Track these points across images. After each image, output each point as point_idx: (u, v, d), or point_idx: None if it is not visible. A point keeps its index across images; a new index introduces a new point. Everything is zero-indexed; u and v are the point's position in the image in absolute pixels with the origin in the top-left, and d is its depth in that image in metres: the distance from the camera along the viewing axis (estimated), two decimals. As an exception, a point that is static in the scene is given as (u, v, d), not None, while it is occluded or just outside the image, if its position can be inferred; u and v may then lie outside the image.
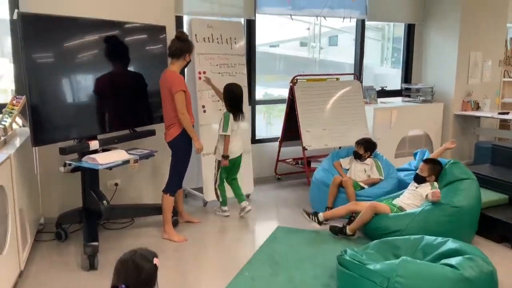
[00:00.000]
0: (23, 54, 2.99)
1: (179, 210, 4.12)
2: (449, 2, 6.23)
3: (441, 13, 6.34)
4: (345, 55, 7.32)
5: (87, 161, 3.35)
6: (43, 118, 3.16)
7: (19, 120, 3.63)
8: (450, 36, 6.28)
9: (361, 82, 5.77)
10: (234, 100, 4.15)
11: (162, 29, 4.10)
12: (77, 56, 3.40)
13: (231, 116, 4.12)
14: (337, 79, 5.53)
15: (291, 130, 5.30)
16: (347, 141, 5.28)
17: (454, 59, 6.26)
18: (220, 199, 4.34)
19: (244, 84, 4.79)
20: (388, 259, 3.07)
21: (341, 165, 4.60)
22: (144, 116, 4.05)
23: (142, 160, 3.70)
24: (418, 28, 6.61)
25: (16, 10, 3.22)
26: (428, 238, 3.11)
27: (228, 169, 4.27)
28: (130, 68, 3.88)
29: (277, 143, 5.52)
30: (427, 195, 3.71)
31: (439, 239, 3.05)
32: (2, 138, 3.10)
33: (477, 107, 6.51)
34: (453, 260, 2.70)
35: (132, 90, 3.91)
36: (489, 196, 3.99)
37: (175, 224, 3.97)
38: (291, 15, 5.43)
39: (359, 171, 4.49)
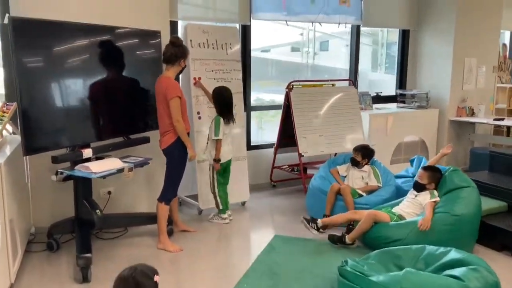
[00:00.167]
0: (14, 59, 2.90)
1: (174, 219, 4.03)
2: (444, 8, 6.23)
3: (436, 19, 6.34)
4: (336, 60, 7.29)
5: (80, 170, 3.25)
6: (35, 126, 3.06)
7: (9, 127, 3.52)
8: (444, 42, 6.27)
9: (357, 88, 5.73)
10: (224, 103, 4.10)
11: (156, 34, 4.02)
12: (69, 62, 3.31)
13: (221, 119, 4.06)
14: (333, 84, 5.48)
15: (287, 137, 5.23)
16: (343, 148, 5.23)
17: (449, 65, 6.25)
18: (221, 207, 4.25)
19: (239, 90, 4.74)
20: (390, 269, 3.01)
21: (338, 172, 4.55)
22: (138, 123, 3.97)
23: (136, 168, 3.61)
24: (413, 34, 6.60)
25: (7, 15, 3.13)
26: (430, 248, 3.05)
27: (220, 174, 4.22)
28: (124, 74, 3.80)
29: (271, 150, 5.46)
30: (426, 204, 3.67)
31: (442, 249, 2.99)
32: (-8, 146, 3.00)
33: (472, 113, 6.50)
34: (457, 271, 2.65)
35: (126, 96, 3.82)
36: (488, 203, 3.94)
37: (170, 233, 3.87)
38: (286, 20, 5.38)
39: (357, 178, 4.44)
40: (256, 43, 5.33)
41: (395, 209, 3.84)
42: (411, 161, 4.91)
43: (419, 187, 3.80)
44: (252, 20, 5.14)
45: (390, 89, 6.78)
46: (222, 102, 4.11)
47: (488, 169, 4.69)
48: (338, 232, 3.83)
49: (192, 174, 4.48)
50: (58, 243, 3.63)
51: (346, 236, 3.72)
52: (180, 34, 4.69)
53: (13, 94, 3.12)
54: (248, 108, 5.27)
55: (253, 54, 5.30)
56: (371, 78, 7.21)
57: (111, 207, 4.11)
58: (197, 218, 4.48)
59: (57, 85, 3.23)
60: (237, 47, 4.75)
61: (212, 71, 4.52)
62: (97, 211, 3.53)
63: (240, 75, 4.75)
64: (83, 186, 3.52)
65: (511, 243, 3.62)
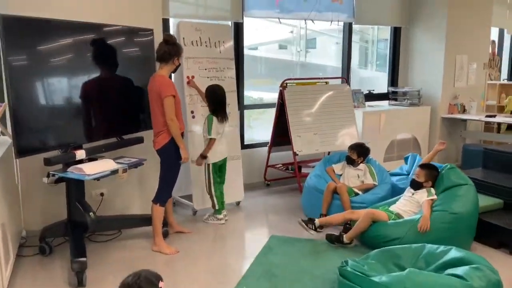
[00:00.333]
0: (4, 58, 2.81)
1: (169, 221, 3.96)
2: (435, 6, 6.23)
3: (427, 16, 6.34)
4: (324, 57, 7.26)
5: (73, 172, 3.17)
6: (27, 127, 2.98)
7: (-2, 128, 3.43)
8: (436, 39, 6.27)
9: (350, 85, 5.70)
10: (217, 101, 4.05)
11: (149, 32, 3.95)
12: (61, 61, 3.22)
13: (214, 118, 4.01)
14: (326, 82, 5.44)
15: (280, 135, 5.19)
16: (337, 146, 5.21)
17: (440, 62, 6.26)
18: (217, 207, 4.20)
19: (233, 88, 4.68)
20: (390, 269, 2.99)
21: (334, 171, 4.51)
22: (132, 123, 3.89)
23: (130, 169, 3.53)
24: (404, 31, 6.60)
25: (-4, 12, 3.02)
26: (430, 247, 3.03)
27: (216, 173, 4.19)
28: (117, 73, 3.71)
29: (264, 148, 5.41)
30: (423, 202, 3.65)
31: (442, 248, 2.97)
32: (-18, 148, 2.90)
33: (464, 110, 6.53)
34: (459, 270, 2.63)
35: (119, 95, 3.74)
36: (484, 201, 3.94)
37: (165, 235, 3.80)
38: (279, 18, 5.33)
39: (352, 177, 4.41)
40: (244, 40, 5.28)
41: (393, 208, 3.82)
42: (405, 159, 4.91)
43: (416, 185, 3.78)
44: (244, 18, 5.07)
45: (380, 86, 6.77)
46: (215, 100, 4.05)
47: (481, 166, 4.69)
48: (335, 231, 3.80)
49: (186, 174, 4.41)
50: (51, 247, 3.54)
51: (344, 236, 3.69)
52: (172, 32, 4.62)
53: (1, 94, 3.03)
54: (241, 106, 5.21)
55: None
56: (361, 76, 7.20)
57: (104, 209, 4.03)
58: (192, 219, 4.42)
59: (48, 85, 3.14)
60: (230, 45, 4.68)
61: (206, 69, 4.45)
62: (91, 213, 3.46)
63: (234, 73, 4.69)
64: (75, 188, 3.43)
65: (508, 240, 3.62)
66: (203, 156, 4.03)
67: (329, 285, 3.04)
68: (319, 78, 5.51)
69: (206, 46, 4.47)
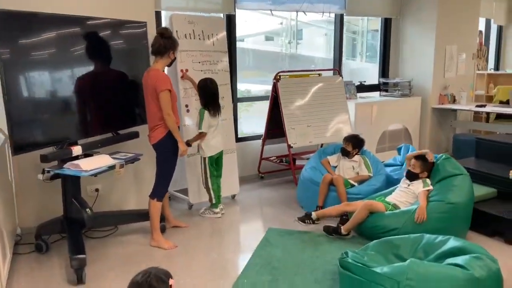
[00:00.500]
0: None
1: (166, 215, 3.93)
2: (425, -4, 6.27)
3: (418, 7, 6.36)
4: (312, 49, 7.24)
5: (70, 168, 3.13)
6: (23, 124, 2.93)
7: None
8: (426, 30, 6.31)
9: (342, 77, 5.70)
10: (209, 94, 4.03)
11: (142, 25, 3.89)
12: (54, 56, 3.17)
13: (206, 112, 3.99)
14: (320, 74, 5.44)
15: (273, 128, 5.18)
16: (331, 138, 5.22)
17: (431, 53, 6.30)
18: (214, 201, 4.19)
19: (226, 81, 4.65)
20: (389, 259, 3.01)
21: (329, 163, 4.53)
22: (127, 117, 3.85)
23: (127, 164, 3.50)
24: (395, 23, 6.61)
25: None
26: (429, 237, 3.06)
27: (212, 166, 4.18)
28: (111, 67, 3.67)
29: (257, 141, 5.40)
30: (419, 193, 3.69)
31: (440, 238, 3.00)
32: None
33: (454, 100, 6.59)
34: (459, 260, 2.65)
35: (114, 90, 3.70)
36: (478, 190, 3.97)
37: (162, 230, 3.77)
38: (271, 10, 5.30)
39: (348, 168, 4.43)
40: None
41: (389, 199, 3.85)
42: (398, 150, 4.94)
43: (411, 176, 3.81)
44: (236, 10, 5.04)
45: (369, 77, 6.79)
46: (207, 93, 4.03)
47: (474, 155, 4.75)
48: (332, 223, 3.82)
49: (181, 168, 4.38)
50: (47, 244, 3.50)
51: (341, 227, 3.71)
52: (164, 25, 4.57)
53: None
54: (235, 99, 5.19)
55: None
56: (351, 67, 7.22)
57: (99, 205, 3.99)
58: (188, 213, 4.41)
59: (42, 80, 3.09)
60: (223, 37, 4.65)
61: (199, 62, 4.42)
62: (87, 209, 3.43)
63: (227, 66, 4.67)
64: (71, 185, 3.40)
65: (503, 228, 3.67)
66: (188, 144, 3.96)
67: (329, 276, 3.06)
68: (312, 70, 5.50)
69: (199, 39, 4.43)
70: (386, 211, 3.67)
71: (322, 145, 5.47)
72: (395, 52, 6.69)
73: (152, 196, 3.62)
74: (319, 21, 6.96)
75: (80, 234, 3.34)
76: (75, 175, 3.14)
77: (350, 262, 2.78)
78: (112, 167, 3.31)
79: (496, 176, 4.11)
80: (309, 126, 5.12)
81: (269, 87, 5.22)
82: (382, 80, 6.59)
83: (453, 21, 6.38)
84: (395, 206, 3.74)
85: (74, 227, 3.37)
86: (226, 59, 4.65)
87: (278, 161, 5.41)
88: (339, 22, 6.07)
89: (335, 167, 4.52)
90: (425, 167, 3.79)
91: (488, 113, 6.84)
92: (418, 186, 3.74)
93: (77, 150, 3.22)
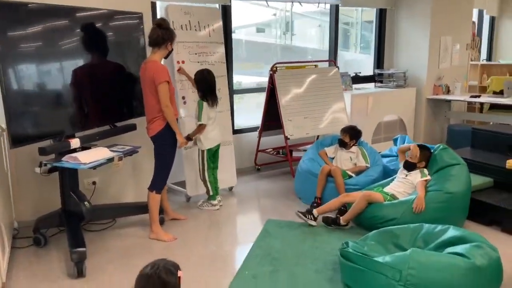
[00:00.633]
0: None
1: (165, 207, 3.92)
2: (420, -13, 6.26)
3: (413, -2, 6.37)
4: (304, 40, 7.21)
5: (68, 161, 3.10)
6: (21, 117, 2.91)
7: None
8: (421, 21, 6.31)
9: (338, 68, 5.70)
10: (207, 85, 4.00)
11: (138, 16, 3.85)
12: (51, 47, 3.13)
13: (205, 104, 3.97)
14: (316, 66, 5.43)
15: (270, 120, 5.17)
16: (327, 129, 5.22)
17: (426, 44, 6.31)
18: (211, 193, 4.18)
19: (223, 73, 4.63)
20: (389, 249, 3.03)
21: (326, 154, 4.53)
22: (124, 109, 3.82)
23: (125, 156, 3.47)
24: (390, 13, 6.61)
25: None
26: (428, 226, 3.08)
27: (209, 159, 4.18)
28: (108, 58, 3.63)
29: (253, 133, 5.39)
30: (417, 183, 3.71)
31: (440, 227, 3.03)
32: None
33: (448, 91, 6.61)
34: (460, 248, 2.68)
35: (110, 81, 3.67)
36: (475, 180, 4.00)
37: (161, 222, 3.76)
38: (266, 0, 5.27)
39: (345, 160, 4.43)
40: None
41: (387, 189, 3.86)
42: (395, 140, 4.95)
43: (409, 166, 3.82)
44: (232, 1, 5.00)
45: (363, 68, 6.78)
46: (205, 84, 3.99)
47: (470, 145, 4.78)
48: (331, 214, 3.83)
49: (179, 160, 4.36)
50: (46, 238, 3.47)
51: (340, 218, 3.72)
52: (159, 16, 4.52)
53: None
54: (231, 91, 5.16)
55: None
56: (345, 58, 7.21)
57: (96, 197, 3.96)
58: (186, 206, 4.39)
59: (40, 73, 3.05)
60: (220, 28, 4.62)
61: (196, 54, 4.39)
62: (86, 202, 3.41)
63: (224, 58, 4.64)
64: (69, 178, 3.37)
65: (501, 217, 3.70)
66: (188, 138, 3.95)
67: (330, 266, 3.07)
68: (308, 62, 5.49)
69: (195, 30, 4.40)
70: (385, 201, 3.69)
71: (318, 136, 5.48)
72: (389, 43, 6.70)
73: (151, 188, 3.60)
74: (312, 12, 6.94)
75: (79, 227, 3.32)
76: (74, 168, 3.11)
77: (351, 252, 2.80)
78: (110, 160, 3.28)
79: (492, 165, 4.14)
80: (306, 118, 5.11)
81: (261, 79, 5.20)
82: (377, 71, 6.59)
83: (447, 12, 6.39)
84: (393, 197, 3.76)
85: (72, 220, 3.35)
86: (222, 50, 4.62)
87: (274, 153, 5.41)
88: (334, 12, 6.04)
89: (333, 158, 4.52)
90: (423, 157, 3.81)
91: (481, 104, 6.88)
92: (416, 176, 3.76)
93: (75, 142, 3.19)
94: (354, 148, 4.46)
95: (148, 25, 3.91)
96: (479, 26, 8.77)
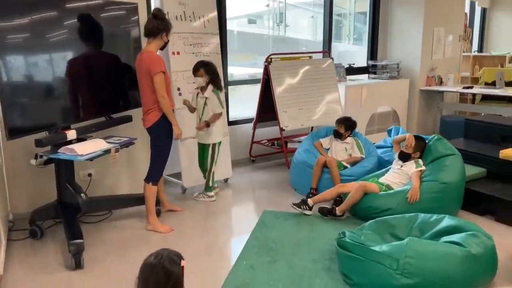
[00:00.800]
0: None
1: (161, 199, 3.92)
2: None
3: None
4: (296, 31, 7.19)
5: (65, 153, 3.08)
6: (18, 108, 2.89)
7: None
8: (415, 12, 6.33)
9: (332, 59, 5.71)
10: (215, 75, 4.01)
11: (133, 6, 3.82)
12: (45, 38, 3.09)
13: (218, 91, 4.00)
14: (310, 57, 5.43)
15: (265, 111, 5.18)
16: (322, 121, 5.23)
17: (419, 35, 6.33)
18: (211, 184, 4.19)
19: (218, 64, 4.60)
20: (385, 238, 3.06)
21: (322, 145, 4.55)
22: (120, 101, 3.80)
23: (122, 148, 3.46)
24: (383, 4, 6.61)
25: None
26: (424, 216, 3.12)
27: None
28: (103, 49, 3.60)
29: (248, 125, 5.39)
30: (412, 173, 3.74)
31: (435, 216, 3.06)
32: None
33: (441, 82, 6.65)
34: (455, 237, 2.72)
35: (106, 73, 3.64)
36: (468, 170, 4.04)
37: (157, 214, 3.75)
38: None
39: (340, 150, 4.46)
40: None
41: (382, 180, 3.89)
42: (389, 131, 4.98)
43: (405, 157, 3.85)
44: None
45: (356, 60, 6.79)
46: (213, 72, 3.99)
47: (463, 136, 4.82)
48: (327, 204, 3.86)
49: (174, 152, 4.35)
50: (42, 230, 3.46)
51: (336, 208, 3.74)
52: (154, 6, 4.48)
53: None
54: (226, 82, 5.16)
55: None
56: (338, 50, 7.21)
57: (92, 189, 3.94)
58: (182, 197, 4.39)
59: (37, 64, 3.02)
60: (215, 18, 4.59)
61: (191, 45, 4.37)
62: (82, 194, 3.39)
63: (219, 49, 4.62)
64: (65, 169, 3.35)
65: (493, 207, 3.75)
66: (208, 124, 3.99)
67: (327, 256, 3.10)
68: (303, 53, 5.49)
69: (190, 20, 4.37)
70: (380, 192, 3.72)
71: (312, 128, 5.49)
72: (383, 34, 6.71)
73: (147, 180, 3.59)
74: (305, 4, 6.93)
75: (76, 219, 3.31)
76: (71, 160, 3.10)
77: (348, 241, 2.82)
78: (107, 152, 3.27)
79: (486, 156, 4.19)
80: (301, 109, 5.12)
81: (254, 70, 5.18)
82: (371, 62, 6.61)
83: (440, 3, 6.41)
84: (389, 187, 3.79)
85: (69, 212, 3.33)
86: (217, 41, 4.61)
87: (269, 144, 5.42)
88: (329, 3, 6.03)
89: (328, 149, 4.54)
90: (418, 148, 3.84)
91: (474, 95, 6.94)
92: (411, 167, 3.79)
93: (71, 134, 3.17)
94: (349, 139, 4.48)
95: (143, 16, 3.88)
96: (471, 18, 8.82)
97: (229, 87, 5.34)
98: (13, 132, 2.83)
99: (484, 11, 9.24)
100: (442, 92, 6.65)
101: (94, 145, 3.24)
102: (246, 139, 5.42)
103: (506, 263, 2.98)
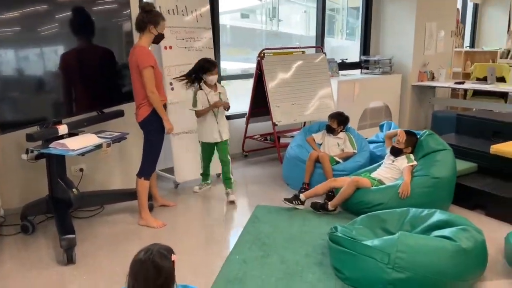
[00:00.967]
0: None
1: (154, 194, 3.91)
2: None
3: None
4: (289, 26, 7.18)
5: (56, 148, 3.06)
6: (9, 102, 2.86)
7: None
8: (407, 7, 6.34)
9: (325, 54, 5.71)
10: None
11: (125, 1, 3.79)
12: (36, 32, 3.07)
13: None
14: (303, 52, 5.43)
15: (257, 106, 5.17)
16: (315, 116, 5.24)
17: (411, 30, 6.35)
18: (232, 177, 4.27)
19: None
20: (377, 233, 3.08)
21: (314, 140, 4.55)
22: (112, 95, 3.78)
23: (114, 143, 3.45)
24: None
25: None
26: (415, 211, 3.14)
27: None
28: (95, 43, 3.58)
29: (240, 120, 5.38)
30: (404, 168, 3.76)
31: (426, 211, 3.08)
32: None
33: (433, 78, 6.68)
34: (446, 232, 2.74)
35: (98, 67, 3.62)
36: (459, 165, 4.05)
37: (150, 209, 3.75)
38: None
39: (333, 145, 4.47)
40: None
41: (374, 175, 3.91)
42: (381, 126, 5.00)
43: (396, 152, 3.87)
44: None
45: (349, 55, 6.79)
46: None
47: (455, 131, 4.85)
48: (319, 199, 3.87)
49: (167, 147, 4.34)
50: (34, 225, 3.44)
51: (328, 203, 3.76)
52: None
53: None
54: (219, 77, 5.13)
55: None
56: (331, 45, 7.22)
57: (84, 184, 3.93)
58: (174, 192, 4.39)
59: (28, 58, 3.01)
60: (207, 12, 4.57)
61: (183, 39, 4.35)
62: (73, 189, 3.39)
63: (211, 43, 4.61)
64: (57, 164, 3.33)
65: (485, 202, 3.79)
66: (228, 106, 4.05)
67: (319, 250, 3.11)
68: (296, 48, 5.48)
69: (183, 14, 4.35)
70: (372, 186, 3.74)
71: (305, 123, 5.50)
72: (376, 29, 6.71)
73: (140, 175, 3.58)
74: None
75: (67, 214, 3.29)
76: (62, 155, 3.08)
77: (340, 236, 2.83)
78: (99, 146, 3.25)
79: (476, 151, 4.22)
80: (294, 104, 5.12)
81: (247, 65, 5.17)
82: (363, 57, 6.62)
83: (433, -2, 6.43)
84: (381, 182, 3.80)
85: (60, 207, 3.32)
86: (209, 35, 4.59)
87: (262, 139, 5.42)
88: (322, -1, 6.03)
89: (320, 144, 4.55)
90: (409, 143, 3.86)
91: (465, 90, 6.97)
92: (403, 162, 3.81)
93: (63, 129, 3.15)
94: (341, 134, 4.49)
95: (135, 10, 3.85)
96: (463, 13, 8.85)
97: (222, 82, 5.32)
98: (4, 127, 2.82)
99: (476, 7, 9.27)
100: (434, 87, 6.68)
101: (85, 140, 3.23)
102: (239, 134, 5.42)
103: (496, 257, 3.02)
